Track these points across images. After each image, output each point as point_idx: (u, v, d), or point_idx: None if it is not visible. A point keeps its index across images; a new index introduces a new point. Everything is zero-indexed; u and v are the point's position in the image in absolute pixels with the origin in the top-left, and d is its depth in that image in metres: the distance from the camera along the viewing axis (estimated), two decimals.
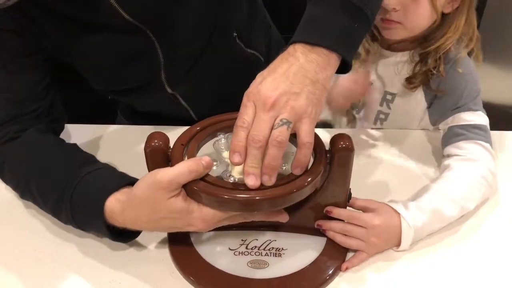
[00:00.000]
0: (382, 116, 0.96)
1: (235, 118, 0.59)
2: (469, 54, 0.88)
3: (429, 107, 0.91)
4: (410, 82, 0.89)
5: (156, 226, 0.63)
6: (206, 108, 0.80)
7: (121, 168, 0.72)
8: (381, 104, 0.95)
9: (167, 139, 0.63)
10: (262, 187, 0.58)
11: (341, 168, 0.65)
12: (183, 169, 0.57)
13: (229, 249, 0.69)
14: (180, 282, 0.67)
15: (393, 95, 0.93)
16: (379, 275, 0.69)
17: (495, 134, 0.85)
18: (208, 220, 0.60)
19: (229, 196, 0.57)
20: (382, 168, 0.87)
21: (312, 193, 0.64)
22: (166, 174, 0.58)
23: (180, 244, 0.69)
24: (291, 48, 0.60)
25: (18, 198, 0.77)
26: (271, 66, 0.59)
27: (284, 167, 0.64)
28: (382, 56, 0.92)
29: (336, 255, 0.69)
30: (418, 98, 0.91)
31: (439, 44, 0.85)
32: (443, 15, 0.85)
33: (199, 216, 0.59)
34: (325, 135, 0.71)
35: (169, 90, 0.89)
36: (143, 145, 0.62)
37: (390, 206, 0.72)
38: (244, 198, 0.57)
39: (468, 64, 0.87)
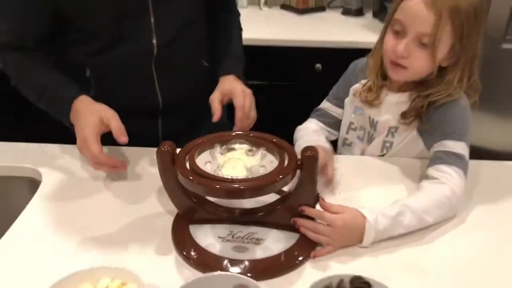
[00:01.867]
0: (387, 144, 1.12)
1: (229, 136, 0.79)
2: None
3: (420, 133, 1.06)
4: (405, 117, 1.06)
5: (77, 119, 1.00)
6: (174, 98, 1.15)
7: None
8: (386, 136, 1.11)
9: (174, 147, 0.82)
10: (244, 179, 0.76)
11: (308, 173, 0.81)
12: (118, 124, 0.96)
13: (219, 237, 0.85)
14: (178, 262, 0.83)
15: (396, 127, 1.09)
16: (341, 265, 0.83)
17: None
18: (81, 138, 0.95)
19: (220, 186, 0.75)
20: (373, 188, 1.04)
21: (287, 195, 0.82)
22: (110, 114, 0.97)
23: (181, 233, 0.87)
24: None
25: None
26: None
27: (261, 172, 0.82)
28: (388, 97, 1.08)
29: (307, 247, 0.84)
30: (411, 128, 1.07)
31: (430, 92, 1.01)
32: (440, 68, 1.00)
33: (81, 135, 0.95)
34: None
35: (154, 41, 1.09)
36: None
37: (358, 210, 0.86)
38: (231, 187, 0.75)
39: (462, 101, 1.02)
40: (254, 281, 0.69)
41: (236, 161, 0.81)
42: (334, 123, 1.19)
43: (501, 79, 1.87)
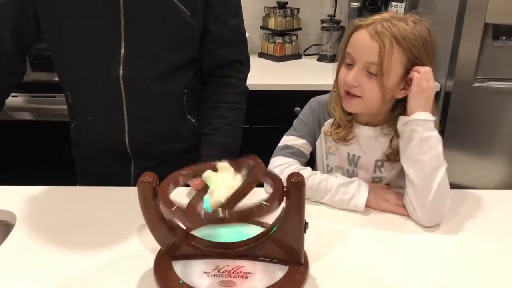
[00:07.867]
0: (377, 180, 1.11)
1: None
2: None
3: None
4: (389, 158, 1.07)
5: None
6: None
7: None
8: (374, 171, 1.10)
9: (156, 178, 0.79)
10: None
11: (295, 201, 0.78)
12: None
13: (204, 272, 0.81)
14: None
15: (381, 160, 1.09)
16: None
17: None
18: None
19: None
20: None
21: (273, 226, 0.79)
22: None
23: (164, 270, 0.82)
24: None
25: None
26: None
27: None
28: (362, 132, 1.09)
29: (295, 280, 0.81)
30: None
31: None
32: (398, 101, 1.04)
33: None
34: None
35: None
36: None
37: None
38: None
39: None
40: None
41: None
42: (305, 163, 1.15)
43: (474, 117, 1.93)
